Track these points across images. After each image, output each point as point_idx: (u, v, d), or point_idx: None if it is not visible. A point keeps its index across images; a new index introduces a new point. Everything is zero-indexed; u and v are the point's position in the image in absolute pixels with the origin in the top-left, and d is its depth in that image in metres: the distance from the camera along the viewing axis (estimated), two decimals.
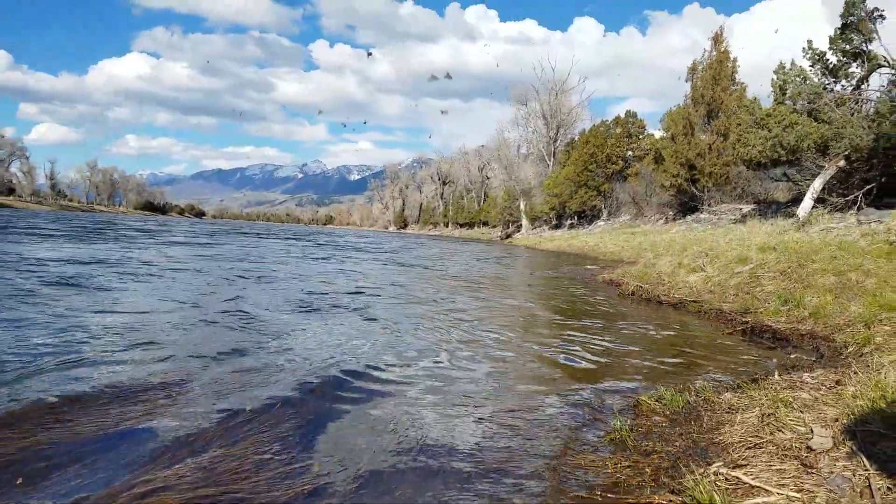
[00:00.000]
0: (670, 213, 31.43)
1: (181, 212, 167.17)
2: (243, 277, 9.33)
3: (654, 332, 6.18)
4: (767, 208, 22.13)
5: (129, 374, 3.54)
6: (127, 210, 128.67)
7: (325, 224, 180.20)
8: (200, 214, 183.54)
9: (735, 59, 28.52)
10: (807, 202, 16.31)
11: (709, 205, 27.55)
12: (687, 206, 29.69)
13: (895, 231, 9.36)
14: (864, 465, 2.17)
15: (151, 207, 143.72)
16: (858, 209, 14.54)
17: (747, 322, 6.30)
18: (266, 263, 12.49)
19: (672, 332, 6.20)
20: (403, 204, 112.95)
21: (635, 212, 36.92)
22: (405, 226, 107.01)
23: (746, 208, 24.19)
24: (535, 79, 55.02)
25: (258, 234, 34.81)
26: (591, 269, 14.88)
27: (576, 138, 49.56)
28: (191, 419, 2.84)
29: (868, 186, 15.37)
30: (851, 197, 15.50)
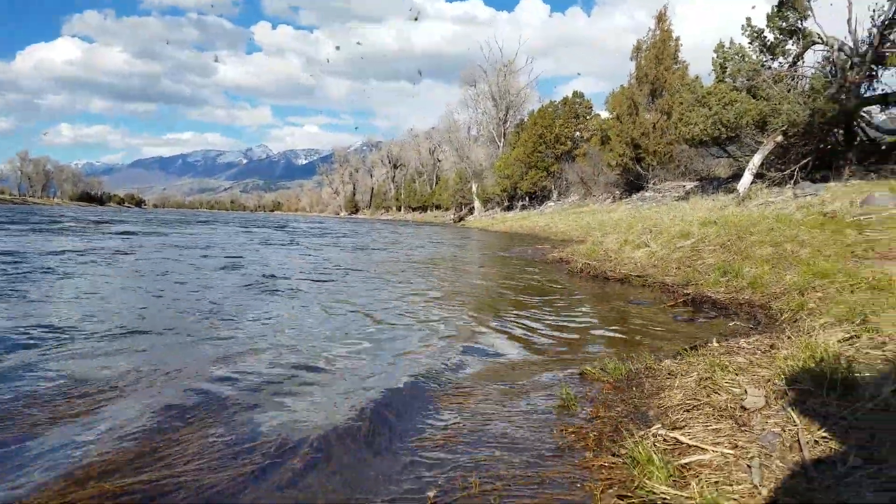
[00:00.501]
0: (617, 192, 31.89)
1: (121, 202, 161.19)
2: (222, 268, 8.96)
3: (600, 306, 6.32)
4: (709, 185, 22.63)
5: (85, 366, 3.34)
6: (62, 201, 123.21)
7: (272, 210, 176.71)
8: (141, 204, 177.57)
9: (678, 39, 28.93)
10: (746, 178, 16.69)
11: (654, 183, 28.02)
12: (633, 184, 30.15)
13: (829, 203, 9.63)
14: (794, 421, 2.24)
15: (89, 198, 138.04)
16: (795, 183, 14.95)
17: (689, 294, 6.38)
18: (230, 252, 12.08)
19: (617, 306, 6.31)
20: (354, 188, 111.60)
21: (584, 192, 37.35)
22: (357, 211, 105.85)
23: (689, 185, 24.71)
24: (483, 59, 54.98)
25: (207, 222, 33.80)
26: (542, 249, 14.94)
27: (525, 119, 49.73)
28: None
29: (804, 161, 15.81)
30: (788, 171, 15.93)
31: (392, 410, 2.82)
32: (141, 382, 3.09)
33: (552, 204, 40.67)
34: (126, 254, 10.50)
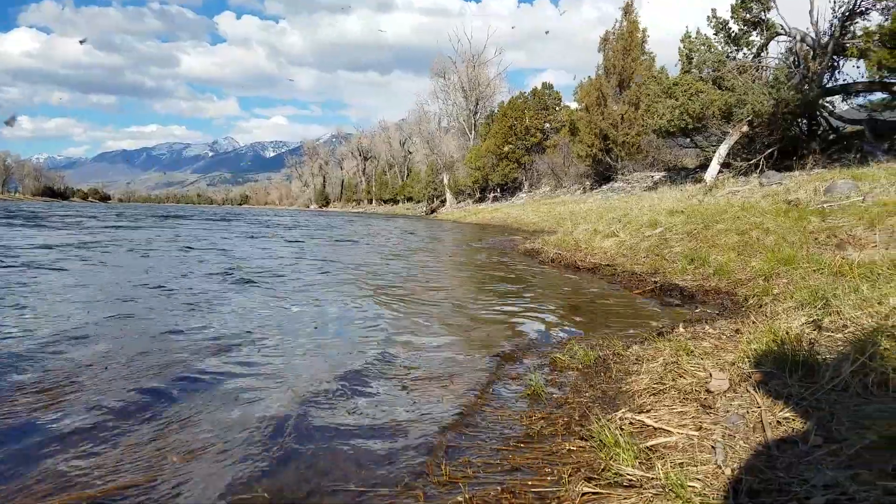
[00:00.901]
0: (587, 183, 32.16)
1: (84, 196, 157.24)
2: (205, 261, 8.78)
3: (570, 295, 6.38)
4: (677, 175, 22.96)
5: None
6: (24, 196, 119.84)
7: (240, 204, 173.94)
8: (106, 199, 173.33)
9: (644, 30, 29.21)
10: (713, 167, 16.98)
11: (623, 174, 28.31)
12: (603, 175, 30.43)
13: (793, 191, 9.84)
14: (757, 403, 2.29)
15: (52, 193, 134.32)
16: (761, 172, 15.24)
17: (657, 282, 6.45)
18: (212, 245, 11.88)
19: (587, 295, 6.37)
20: (324, 181, 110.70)
21: (555, 183, 37.61)
22: (327, 203, 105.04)
23: (658, 176, 25.02)
24: (453, 51, 54.92)
25: (176, 216, 33.22)
26: (514, 240, 15.00)
27: (495, 111, 49.81)
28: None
29: (769, 150, 16.13)
30: (754, 161, 16.25)
31: (361, 397, 2.82)
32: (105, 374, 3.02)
33: (523, 195, 40.87)
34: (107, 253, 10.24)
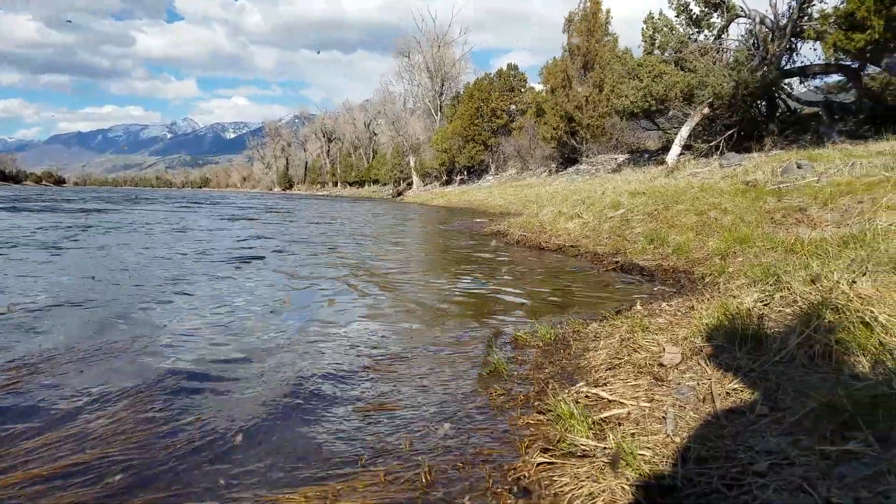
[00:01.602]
0: (553, 165, 32.34)
1: (38, 180, 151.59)
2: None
3: (534, 276, 6.46)
4: (640, 157, 23.25)
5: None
6: None
7: (200, 187, 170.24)
8: (61, 182, 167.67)
9: (608, 11, 29.28)
10: (675, 149, 17.25)
11: (587, 156, 28.51)
12: (568, 158, 30.62)
13: (751, 172, 10.06)
14: (708, 375, 2.37)
15: (3, 177, 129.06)
16: (721, 154, 15.54)
17: (618, 262, 6.58)
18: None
19: (550, 275, 6.46)
20: (287, 163, 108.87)
21: (521, 165, 37.71)
22: (291, 186, 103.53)
23: (621, 158, 25.30)
24: (417, 30, 54.34)
25: (136, 198, 32.46)
26: (480, 222, 15.05)
27: (461, 92, 49.54)
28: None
29: (730, 132, 16.45)
30: (715, 143, 16.56)
31: (326, 380, 2.83)
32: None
33: (490, 178, 40.90)
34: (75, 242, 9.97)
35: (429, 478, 1.85)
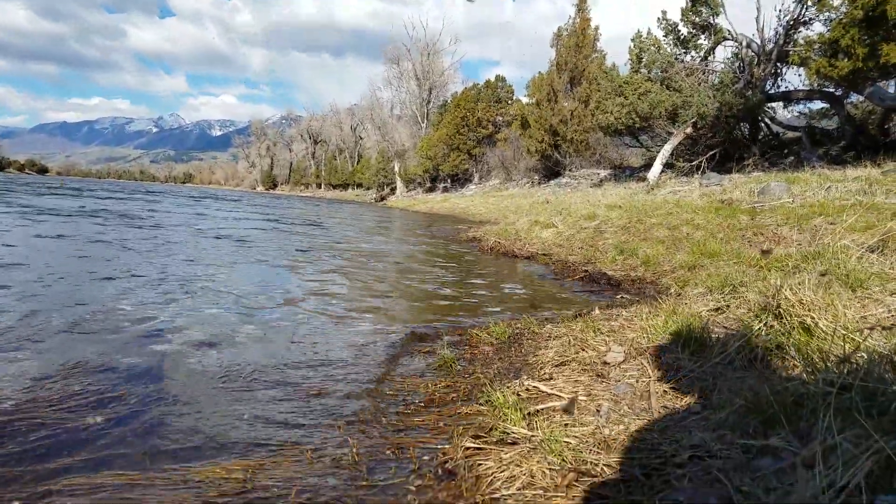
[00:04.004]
0: (536, 177, 32.49)
1: (21, 168, 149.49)
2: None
3: (502, 280, 6.49)
4: (622, 173, 23.45)
5: None
6: None
7: (183, 183, 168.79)
8: (43, 171, 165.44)
9: (597, 28, 29.55)
10: (657, 167, 17.39)
11: (571, 170, 28.67)
12: (551, 171, 30.79)
13: (729, 192, 10.19)
14: (648, 374, 2.43)
15: None
16: (702, 173, 15.69)
17: (587, 270, 6.63)
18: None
19: (518, 280, 6.52)
20: (272, 163, 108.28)
21: (504, 176, 37.84)
22: (274, 186, 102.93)
23: (603, 173, 25.49)
24: (408, 38, 54.50)
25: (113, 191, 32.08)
26: (459, 229, 15.09)
27: (448, 101, 49.71)
28: None
29: (712, 152, 16.64)
30: (697, 162, 16.73)
31: (276, 369, 2.84)
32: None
33: (473, 187, 41.00)
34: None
35: (358, 458, 1.88)
